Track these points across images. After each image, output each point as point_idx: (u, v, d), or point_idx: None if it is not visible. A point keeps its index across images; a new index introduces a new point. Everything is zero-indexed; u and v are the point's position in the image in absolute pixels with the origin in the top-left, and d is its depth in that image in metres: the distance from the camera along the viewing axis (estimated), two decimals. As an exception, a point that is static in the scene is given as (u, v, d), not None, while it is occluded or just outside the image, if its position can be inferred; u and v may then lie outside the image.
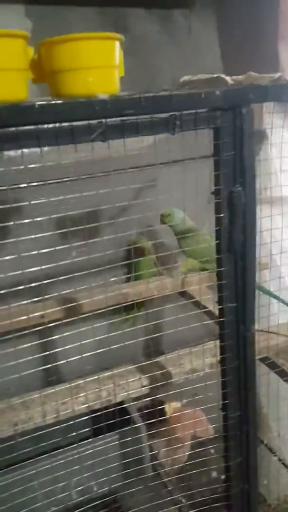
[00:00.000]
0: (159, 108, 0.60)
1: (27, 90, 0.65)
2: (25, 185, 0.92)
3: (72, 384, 1.00)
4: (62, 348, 0.95)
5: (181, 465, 1.43)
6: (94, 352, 0.97)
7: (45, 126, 0.56)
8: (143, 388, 1.01)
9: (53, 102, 0.55)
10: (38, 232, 1.38)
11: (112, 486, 1.24)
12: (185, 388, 1.06)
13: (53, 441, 1.04)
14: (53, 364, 0.97)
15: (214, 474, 1.33)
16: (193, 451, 1.33)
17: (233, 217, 0.68)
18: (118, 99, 0.57)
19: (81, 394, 0.97)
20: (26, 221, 0.92)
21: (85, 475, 1.19)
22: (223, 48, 1.66)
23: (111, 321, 1.47)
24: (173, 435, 1.46)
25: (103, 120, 0.58)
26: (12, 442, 0.92)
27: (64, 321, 1.13)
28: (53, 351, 1.01)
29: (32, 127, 0.55)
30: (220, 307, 0.75)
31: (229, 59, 1.65)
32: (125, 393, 1.00)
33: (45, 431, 0.97)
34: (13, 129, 0.54)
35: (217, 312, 1.30)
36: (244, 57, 1.63)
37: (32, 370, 0.90)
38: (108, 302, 1.37)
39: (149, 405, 1.44)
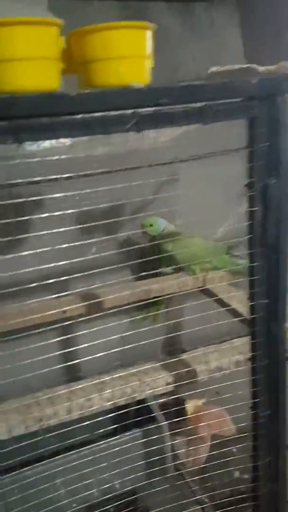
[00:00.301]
0: (194, 98, 0.59)
1: (60, 80, 0.64)
2: (53, 177, 0.90)
3: (97, 381, 0.99)
4: (87, 344, 0.94)
5: (201, 464, 1.42)
6: (118, 349, 0.97)
7: (80, 116, 0.54)
8: (168, 386, 1.00)
9: (89, 91, 0.53)
10: (60, 227, 1.37)
11: (134, 484, 1.23)
12: (211, 387, 1.04)
13: (74, 439, 1.04)
14: (78, 360, 0.96)
15: (237, 473, 1.31)
16: (217, 451, 1.30)
17: (266, 210, 0.67)
18: (153, 88, 0.56)
19: (107, 391, 0.95)
20: (44, 215, 0.90)
21: (107, 473, 1.18)
22: (245, 41, 1.63)
23: (133, 318, 1.46)
24: (194, 434, 1.44)
25: (138, 110, 0.56)
26: (37, 439, 0.91)
27: (87, 317, 1.12)
28: (77, 347, 1.00)
29: (67, 117, 0.54)
30: (252, 303, 0.73)
31: (251, 52, 1.63)
32: (150, 390, 0.99)
33: (67, 428, 0.96)
34: (47, 119, 0.53)
35: (240, 310, 1.29)
36: (267, 50, 1.60)
37: (58, 366, 0.89)
38: (130, 298, 1.37)
39: (170, 403, 1.43)
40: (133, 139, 1.09)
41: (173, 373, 1.01)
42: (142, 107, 0.56)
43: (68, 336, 1.08)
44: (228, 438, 1.37)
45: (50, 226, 1.31)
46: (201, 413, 1.48)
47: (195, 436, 1.44)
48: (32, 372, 0.92)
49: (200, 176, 1.29)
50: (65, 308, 1.21)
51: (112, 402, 0.96)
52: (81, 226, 1.25)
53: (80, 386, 0.95)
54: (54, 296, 1.32)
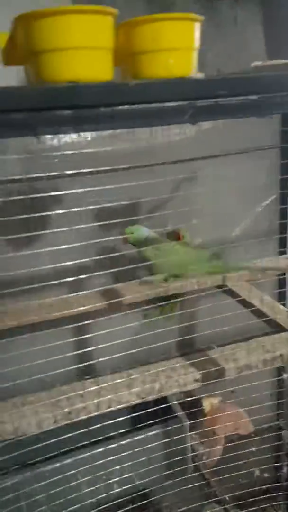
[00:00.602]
0: (250, 90, 0.58)
1: (112, 71, 0.63)
2: (71, 171, 0.90)
3: (126, 377, 0.98)
4: (107, 344, 0.94)
5: (215, 464, 1.41)
6: (138, 348, 0.97)
7: (139, 106, 0.54)
8: (196, 383, 0.99)
9: (148, 81, 0.52)
10: (78, 223, 1.37)
11: (155, 483, 1.22)
12: (238, 387, 1.04)
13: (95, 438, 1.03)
14: (98, 359, 0.96)
15: (257, 472, 1.31)
16: (236, 451, 1.30)
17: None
18: (212, 79, 0.55)
19: (136, 387, 0.95)
20: (61, 211, 0.89)
21: (127, 470, 1.18)
22: (267, 39, 1.63)
23: (150, 317, 1.45)
24: (211, 433, 1.44)
25: (194, 101, 0.55)
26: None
27: (106, 315, 1.12)
28: (96, 346, 0.99)
29: (126, 107, 0.53)
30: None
31: (273, 50, 1.62)
32: (178, 387, 0.98)
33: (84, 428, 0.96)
34: (108, 109, 0.52)
35: (262, 309, 1.29)
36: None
37: (74, 364, 0.89)
38: (149, 296, 1.36)
39: (188, 402, 1.42)
40: (149, 137, 1.08)
41: (201, 370, 1.00)
42: (200, 99, 0.55)
43: (86, 335, 1.07)
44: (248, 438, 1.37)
45: (67, 222, 1.31)
46: (218, 412, 1.48)
47: (212, 433, 1.44)
48: (50, 368, 0.91)
49: (218, 175, 1.28)
50: (87, 307, 1.20)
51: (141, 398, 0.96)
52: (98, 223, 1.25)
53: (111, 382, 0.94)
54: (72, 294, 1.32)
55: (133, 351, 0.96)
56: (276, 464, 0.81)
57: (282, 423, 1.53)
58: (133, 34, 0.66)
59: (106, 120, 0.53)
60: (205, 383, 0.98)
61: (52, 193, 0.86)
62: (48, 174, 1.05)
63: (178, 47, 0.67)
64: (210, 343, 1.35)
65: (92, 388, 0.94)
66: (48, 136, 1.40)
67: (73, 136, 1.36)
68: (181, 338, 1.34)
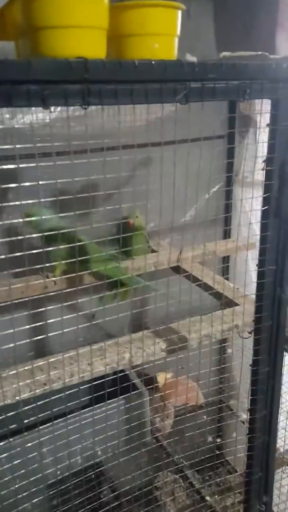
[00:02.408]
0: (236, 75, 0.64)
1: (105, 50, 0.67)
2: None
3: (95, 347, 1.03)
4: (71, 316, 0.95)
5: (168, 429, 1.50)
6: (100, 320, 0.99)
7: (139, 85, 0.58)
8: (163, 352, 1.06)
9: (150, 60, 0.57)
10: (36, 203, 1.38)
11: (116, 450, 1.28)
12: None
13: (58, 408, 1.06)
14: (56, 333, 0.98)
15: (210, 438, 1.41)
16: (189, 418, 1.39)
17: (282, 184, 0.74)
18: (204, 63, 0.61)
19: (106, 356, 1.00)
20: (13, 185, 0.88)
21: (90, 440, 1.23)
22: (217, 33, 1.71)
23: (104, 299, 1.49)
24: (166, 403, 1.52)
25: (188, 83, 0.61)
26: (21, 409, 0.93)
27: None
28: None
29: (127, 84, 0.57)
30: (261, 269, 0.81)
31: (222, 43, 1.71)
32: (146, 357, 1.04)
33: (52, 397, 0.99)
34: (112, 85, 0.56)
35: (215, 286, 1.38)
36: (237, 41, 1.68)
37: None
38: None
39: (144, 377, 1.49)
40: (110, 120, 1.13)
41: (167, 341, 1.07)
42: (192, 81, 0.61)
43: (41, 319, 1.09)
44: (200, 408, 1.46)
45: (25, 205, 1.31)
46: (172, 386, 1.56)
47: (165, 408, 1.52)
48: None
49: (171, 161, 1.34)
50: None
51: (110, 366, 1.01)
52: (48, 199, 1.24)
53: (80, 352, 0.98)
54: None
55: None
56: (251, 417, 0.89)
57: (222, 397, 1.65)
58: (122, 18, 0.70)
59: (110, 95, 0.57)
60: (172, 352, 1.05)
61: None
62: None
63: (163, 33, 0.72)
64: (161, 323, 1.41)
65: (66, 357, 0.97)
66: (7, 116, 1.41)
67: (32, 117, 1.37)
68: (157, 316, 1.39)
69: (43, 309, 1.05)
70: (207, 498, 1.21)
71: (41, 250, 0.93)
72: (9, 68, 0.50)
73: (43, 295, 1.13)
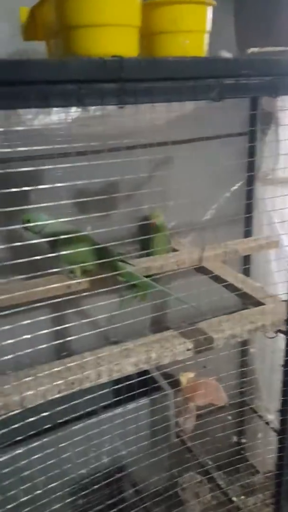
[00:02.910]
0: (269, 71, 0.63)
1: (138, 48, 0.66)
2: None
3: (123, 347, 1.03)
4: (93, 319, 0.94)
5: (190, 432, 1.49)
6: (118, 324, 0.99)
7: (174, 82, 0.58)
8: (188, 352, 1.05)
9: (185, 57, 0.57)
10: (57, 206, 1.38)
11: (140, 452, 1.27)
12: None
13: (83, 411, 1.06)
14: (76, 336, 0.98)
15: (235, 439, 1.40)
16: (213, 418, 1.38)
17: None
18: (238, 59, 0.60)
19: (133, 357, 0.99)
20: (40, 187, 0.87)
21: (115, 442, 1.22)
22: (238, 30, 1.69)
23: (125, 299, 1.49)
24: (189, 404, 1.51)
25: (222, 79, 0.60)
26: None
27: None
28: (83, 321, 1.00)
29: (162, 82, 0.57)
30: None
31: (242, 39, 1.69)
32: (172, 356, 1.04)
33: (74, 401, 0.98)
34: (148, 83, 0.56)
35: (237, 285, 1.36)
36: (257, 38, 1.66)
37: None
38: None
39: (167, 378, 1.49)
40: (130, 119, 1.12)
41: (192, 341, 1.06)
42: (226, 77, 0.60)
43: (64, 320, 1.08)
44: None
45: (46, 206, 1.32)
46: (194, 386, 1.55)
47: (188, 408, 1.52)
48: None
49: (191, 160, 1.32)
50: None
51: (139, 367, 1.00)
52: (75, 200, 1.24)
53: (108, 352, 0.98)
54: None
55: (105, 328, 0.98)
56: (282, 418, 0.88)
57: (246, 398, 1.64)
58: (153, 15, 0.70)
59: (145, 94, 0.57)
60: (199, 352, 1.04)
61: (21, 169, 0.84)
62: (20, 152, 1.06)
63: (194, 29, 0.71)
64: (182, 322, 1.40)
65: (94, 357, 0.97)
66: (29, 116, 1.41)
67: (53, 118, 1.37)
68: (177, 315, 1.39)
69: (69, 311, 1.05)
70: (234, 499, 1.20)
71: (55, 254, 0.93)
72: (46, 68, 0.50)
73: (65, 297, 1.12)
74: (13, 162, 1.13)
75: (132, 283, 1.27)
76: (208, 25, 0.74)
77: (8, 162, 1.15)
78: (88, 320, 1.02)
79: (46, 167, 0.89)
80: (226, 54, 0.62)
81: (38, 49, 0.76)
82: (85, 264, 1.21)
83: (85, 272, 1.26)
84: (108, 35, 0.60)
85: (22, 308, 0.95)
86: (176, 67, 0.57)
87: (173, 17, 0.69)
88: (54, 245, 1.13)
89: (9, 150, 0.97)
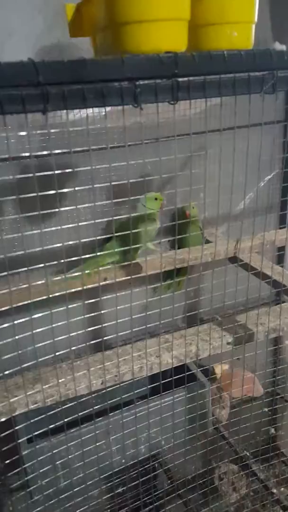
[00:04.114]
0: None
1: (186, 42, 0.66)
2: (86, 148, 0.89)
3: (161, 339, 1.03)
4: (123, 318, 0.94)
5: (225, 421, 1.49)
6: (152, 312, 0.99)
7: (228, 76, 0.57)
8: (229, 346, 1.05)
9: (239, 51, 0.56)
10: (91, 196, 1.38)
11: (177, 440, 1.28)
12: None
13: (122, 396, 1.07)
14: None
15: (272, 430, 1.40)
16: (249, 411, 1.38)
17: None
18: (292, 51, 0.59)
19: (175, 350, 1.00)
20: (75, 188, 0.88)
21: (153, 430, 1.24)
22: (274, 22, 1.65)
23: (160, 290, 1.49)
24: (225, 394, 1.52)
25: (276, 72, 0.59)
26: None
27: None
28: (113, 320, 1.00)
29: (213, 76, 0.56)
30: None
31: (280, 33, 1.65)
32: (213, 350, 1.04)
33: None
34: (200, 78, 0.55)
35: (276, 277, 1.34)
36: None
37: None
38: (165, 266, 1.40)
39: (202, 369, 1.49)
40: (164, 111, 1.11)
41: (233, 334, 1.06)
42: (280, 69, 0.59)
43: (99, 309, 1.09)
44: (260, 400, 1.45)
45: (81, 198, 1.32)
46: (229, 377, 1.55)
47: (223, 399, 1.52)
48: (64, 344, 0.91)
49: (225, 150, 1.31)
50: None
51: (180, 360, 1.01)
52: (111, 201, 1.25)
53: (146, 344, 0.98)
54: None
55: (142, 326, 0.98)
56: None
57: (278, 389, 1.63)
58: (199, 7, 0.69)
59: (198, 89, 0.56)
60: (239, 345, 1.04)
61: (66, 170, 0.84)
62: (59, 151, 1.07)
63: (242, 20, 0.70)
64: (215, 314, 1.40)
65: (134, 349, 0.98)
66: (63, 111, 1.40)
67: (88, 111, 1.37)
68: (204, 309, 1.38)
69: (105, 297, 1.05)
70: (274, 490, 1.20)
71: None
72: (104, 67, 0.50)
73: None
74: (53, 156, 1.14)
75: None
76: (256, 15, 0.72)
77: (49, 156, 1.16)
78: (123, 306, 1.01)
79: (84, 168, 0.90)
80: (279, 46, 0.61)
81: (76, 43, 0.76)
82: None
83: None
84: (159, 30, 0.60)
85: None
86: (230, 61, 0.56)
87: (220, 8, 0.68)
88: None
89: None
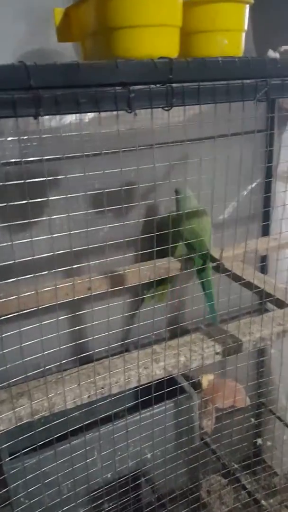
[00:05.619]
0: None
1: (178, 48, 0.65)
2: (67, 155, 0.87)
3: (150, 350, 1.01)
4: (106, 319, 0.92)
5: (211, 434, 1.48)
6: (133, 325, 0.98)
7: (223, 83, 0.56)
8: (217, 356, 1.04)
9: (233, 58, 0.55)
10: (72, 204, 1.36)
11: (165, 455, 1.26)
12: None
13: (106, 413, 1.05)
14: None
15: (259, 441, 1.39)
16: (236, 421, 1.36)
17: None
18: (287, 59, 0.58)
19: (162, 361, 0.98)
20: (55, 197, 0.86)
21: (139, 445, 1.21)
22: (255, 26, 1.67)
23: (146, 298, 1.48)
24: (210, 405, 1.50)
25: (269, 79, 0.59)
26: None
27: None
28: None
29: (209, 83, 0.55)
30: None
31: (260, 37, 1.67)
32: (201, 360, 1.02)
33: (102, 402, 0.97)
34: (194, 84, 0.54)
35: (261, 285, 1.34)
36: (275, 35, 1.64)
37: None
38: (150, 275, 1.39)
39: (189, 379, 1.47)
40: (144, 119, 1.10)
41: (221, 344, 1.05)
42: (273, 77, 0.59)
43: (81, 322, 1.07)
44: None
45: (64, 205, 1.29)
46: (215, 388, 1.54)
47: (209, 410, 1.50)
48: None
49: (208, 159, 1.31)
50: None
51: (168, 371, 0.99)
52: (94, 210, 1.23)
53: (134, 354, 0.97)
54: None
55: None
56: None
57: (263, 400, 1.62)
58: (191, 14, 0.68)
59: (193, 95, 0.55)
60: (228, 355, 1.02)
61: (48, 178, 0.83)
62: (43, 157, 1.05)
63: (233, 28, 0.70)
64: (200, 325, 1.38)
65: (119, 363, 0.96)
66: (46, 117, 1.39)
67: (72, 117, 1.35)
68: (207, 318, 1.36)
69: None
70: (263, 502, 1.18)
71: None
72: (96, 71, 0.48)
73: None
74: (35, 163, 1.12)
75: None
76: (246, 24, 0.72)
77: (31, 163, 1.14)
78: (105, 320, 0.99)
79: (70, 175, 0.88)
80: (273, 54, 0.60)
81: (59, 49, 0.74)
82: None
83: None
84: (151, 36, 0.59)
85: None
86: (225, 68, 0.55)
87: (212, 16, 0.67)
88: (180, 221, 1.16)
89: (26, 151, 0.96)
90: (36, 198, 0.72)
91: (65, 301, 1.07)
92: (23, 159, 1.20)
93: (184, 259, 1.25)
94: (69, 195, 0.74)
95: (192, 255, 1.16)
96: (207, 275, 1.18)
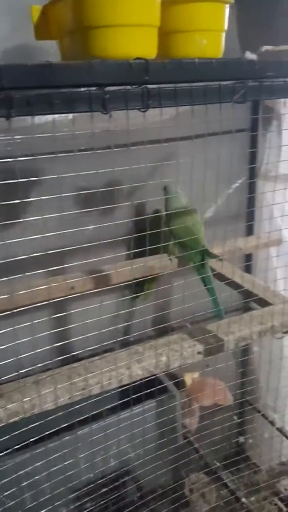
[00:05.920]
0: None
1: (156, 48, 0.64)
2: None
3: (132, 350, 1.01)
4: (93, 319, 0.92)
5: (194, 432, 1.48)
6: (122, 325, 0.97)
7: (200, 84, 0.56)
8: (199, 355, 1.04)
9: (211, 59, 0.55)
10: (58, 203, 1.34)
11: (148, 454, 1.26)
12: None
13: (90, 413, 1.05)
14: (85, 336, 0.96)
15: (242, 439, 1.39)
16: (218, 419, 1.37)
17: None
18: (263, 61, 0.58)
19: (144, 361, 0.98)
20: (42, 197, 0.86)
21: (123, 445, 1.21)
22: (239, 24, 1.67)
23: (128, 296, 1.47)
24: (193, 403, 1.50)
25: (247, 81, 0.58)
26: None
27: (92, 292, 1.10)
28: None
29: (186, 84, 0.55)
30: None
31: (244, 35, 1.66)
32: (183, 360, 1.02)
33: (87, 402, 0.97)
34: (171, 87, 0.54)
35: (244, 285, 1.35)
36: (259, 34, 1.64)
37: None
38: (135, 275, 1.38)
39: (172, 378, 1.47)
40: (134, 117, 1.10)
41: (202, 343, 1.04)
42: (251, 79, 0.58)
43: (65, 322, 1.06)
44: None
45: (47, 203, 1.28)
46: (199, 386, 1.54)
47: (192, 408, 1.51)
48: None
49: (195, 157, 1.31)
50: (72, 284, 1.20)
51: (150, 372, 0.98)
52: (81, 211, 1.22)
53: (116, 355, 0.96)
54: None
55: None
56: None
57: (248, 398, 1.63)
58: (169, 14, 0.68)
59: (169, 97, 0.55)
60: (209, 355, 1.02)
61: (31, 179, 0.82)
62: (24, 156, 1.03)
63: (212, 29, 0.69)
64: (185, 324, 1.38)
65: (103, 360, 0.96)
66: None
67: (55, 115, 1.34)
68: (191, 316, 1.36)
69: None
70: (244, 500, 1.19)
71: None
72: (72, 72, 0.48)
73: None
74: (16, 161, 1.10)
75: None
76: (226, 24, 0.72)
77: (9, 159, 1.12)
78: (92, 320, 0.99)
79: (51, 176, 0.87)
80: (250, 56, 0.60)
81: (44, 47, 0.74)
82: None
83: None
84: (128, 36, 0.58)
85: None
86: (202, 69, 0.55)
87: (190, 16, 0.67)
88: (169, 219, 1.16)
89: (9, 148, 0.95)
90: (19, 198, 0.71)
91: (51, 301, 1.06)
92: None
93: (178, 257, 1.25)
94: (50, 196, 0.73)
95: (189, 252, 1.16)
96: (206, 271, 1.18)
